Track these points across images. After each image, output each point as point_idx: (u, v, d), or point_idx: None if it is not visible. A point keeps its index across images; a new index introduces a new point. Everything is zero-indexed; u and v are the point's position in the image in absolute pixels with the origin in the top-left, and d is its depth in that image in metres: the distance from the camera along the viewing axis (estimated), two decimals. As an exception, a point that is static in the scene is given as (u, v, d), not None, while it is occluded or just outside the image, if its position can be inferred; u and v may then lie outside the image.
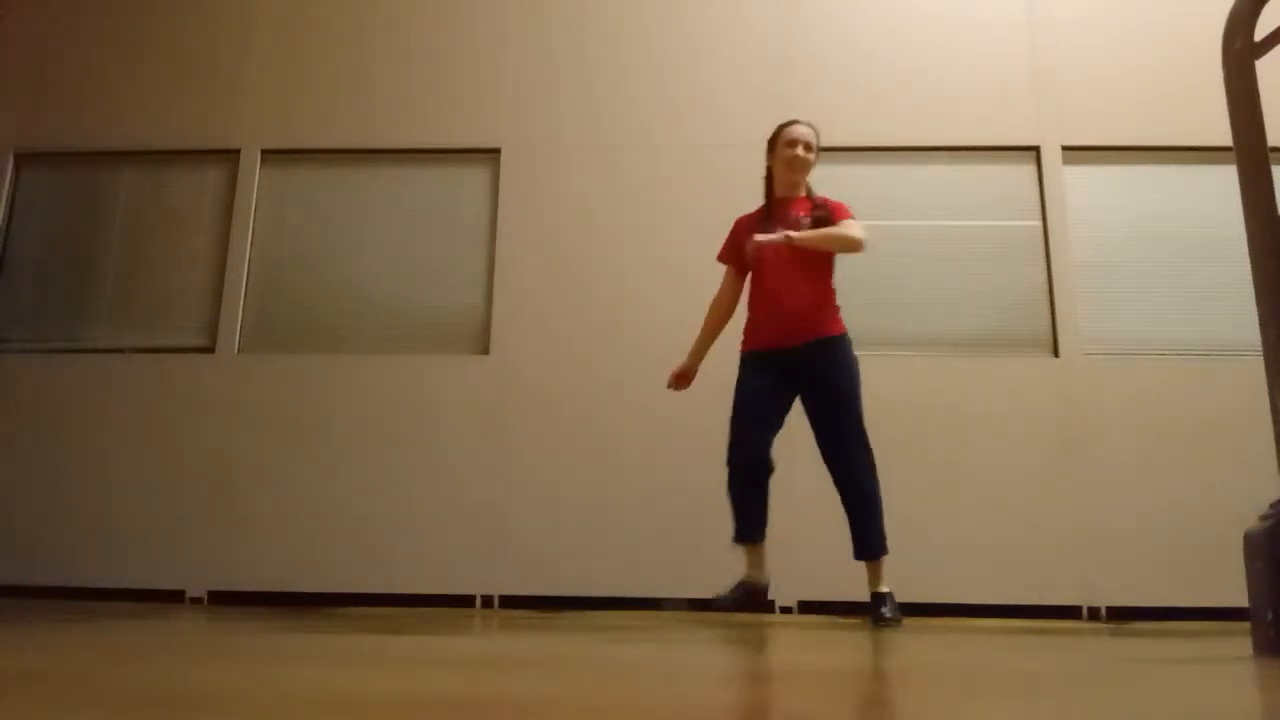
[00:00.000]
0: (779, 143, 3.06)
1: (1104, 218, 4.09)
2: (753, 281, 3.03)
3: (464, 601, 3.77)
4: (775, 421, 2.92)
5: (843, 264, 4.08)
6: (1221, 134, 4.05)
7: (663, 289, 4.06)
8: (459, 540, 3.82)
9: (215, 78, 4.40)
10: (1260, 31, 1.80)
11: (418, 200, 4.26)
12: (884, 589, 2.87)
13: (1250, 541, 1.65)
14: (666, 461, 3.87)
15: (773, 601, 2.96)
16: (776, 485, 3.83)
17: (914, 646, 1.78)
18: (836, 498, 3.82)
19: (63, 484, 3.96)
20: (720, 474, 3.85)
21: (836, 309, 2.98)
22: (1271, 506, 1.65)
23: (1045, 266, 4.03)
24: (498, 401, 3.95)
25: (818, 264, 2.95)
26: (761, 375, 2.93)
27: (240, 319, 4.13)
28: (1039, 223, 4.09)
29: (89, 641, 1.55)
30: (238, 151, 4.31)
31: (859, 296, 4.05)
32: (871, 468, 2.86)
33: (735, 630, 2.37)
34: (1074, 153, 4.14)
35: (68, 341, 4.16)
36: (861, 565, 3.63)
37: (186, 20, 4.48)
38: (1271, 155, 1.76)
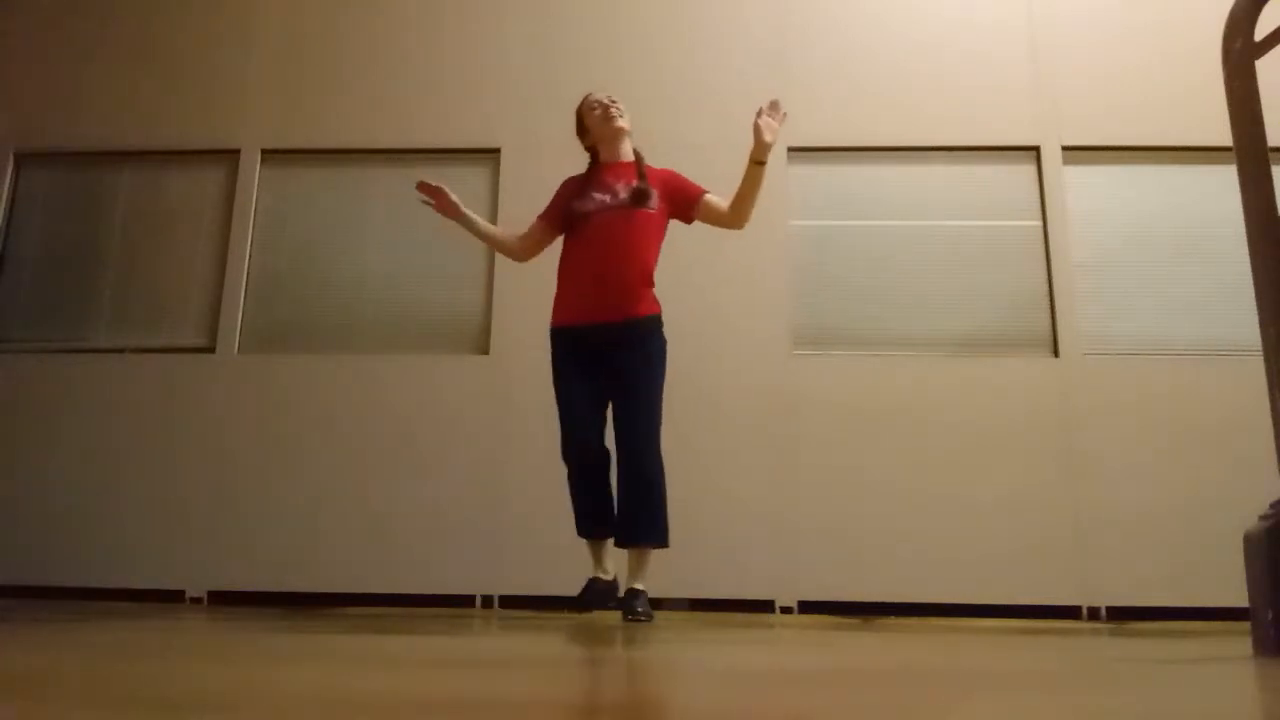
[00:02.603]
0: (585, 115, 2.96)
1: (1104, 218, 4.09)
2: (570, 250, 2.89)
3: (464, 601, 3.76)
4: (603, 409, 2.82)
5: (842, 264, 4.08)
6: (1221, 134, 4.05)
7: (660, 288, 4.04)
8: (459, 540, 3.82)
9: (215, 78, 4.40)
10: (1260, 31, 1.80)
11: (418, 200, 4.26)
12: (637, 585, 2.70)
13: (1250, 541, 1.65)
14: (665, 461, 3.87)
15: (616, 597, 2.78)
16: (778, 486, 3.83)
17: (914, 646, 1.78)
18: (834, 498, 3.82)
19: (63, 484, 3.96)
20: (722, 473, 3.85)
21: (650, 286, 2.87)
22: (1271, 506, 1.65)
23: (1045, 266, 4.03)
24: (498, 401, 3.95)
25: (643, 238, 2.83)
26: (577, 360, 2.81)
27: (240, 319, 4.13)
28: (1039, 223, 4.09)
29: (89, 641, 1.55)
30: (238, 151, 4.31)
31: (859, 296, 4.05)
32: (657, 454, 2.73)
33: (735, 630, 2.37)
34: (1074, 153, 4.14)
35: (68, 341, 4.16)
36: (859, 565, 3.63)
37: (186, 20, 4.48)
38: (1271, 155, 1.76)
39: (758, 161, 2.76)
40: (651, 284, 2.88)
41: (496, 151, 4.26)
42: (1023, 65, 4.25)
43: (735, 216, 2.87)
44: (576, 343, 2.83)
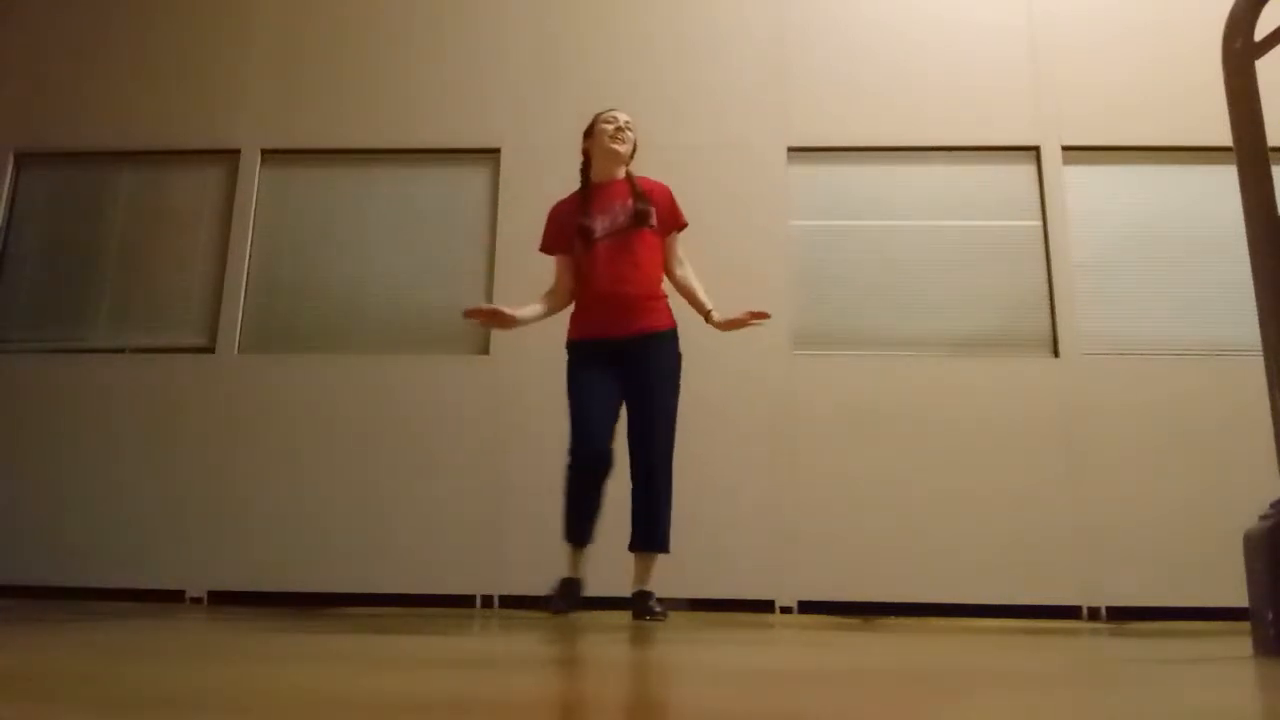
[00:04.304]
0: (597, 124, 3.04)
1: (1104, 218, 4.09)
2: (583, 274, 2.96)
3: (464, 601, 3.77)
4: (615, 416, 2.89)
5: (842, 264, 4.09)
6: (1221, 134, 4.05)
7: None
8: (459, 540, 3.82)
9: (215, 78, 4.40)
10: (1260, 31, 1.80)
11: (418, 200, 4.26)
12: (649, 588, 2.86)
13: (1250, 541, 1.65)
14: (666, 461, 3.87)
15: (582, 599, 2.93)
16: (778, 486, 3.83)
17: (914, 647, 1.78)
18: (834, 498, 3.83)
19: (63, 484, 3.96)
20: (722, 473, 3.85)
21: (665, 299, 2.99)
22: (1271, 506, 1.65)
23: (1045, 266, 4.03)
24: (498, 401, 3.95)
25: (650, 254, 2.95)
26: (594, 367, 2.88)
27: (240, 319, 4.13)
28: (1039, 223, 4.09)
29: (89, 641, 1.55)
30: (238, 151, 4.31)
31: (859, 297, 4.05)
32: (669, 467, 2.85)
33: (735, 630, 2.37)
34: (1074, 153, 4.14)
35: (68, 341, 4.16)
36: (859, 565, 3.62)
37: (186, 20, 4.48)
38: (1271, 155, 1.76)
39: (708, 319, 3.00)
40: (663, 296, 2.99)
41: (496, 151, 4.26)
42: (1023, 65, 4.25)
43: (674, 276, 3.06)
44: (594, 351, 2.91)
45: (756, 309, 3.94)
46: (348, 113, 4.33)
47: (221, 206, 4.28)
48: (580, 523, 2.84)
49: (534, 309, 2.97)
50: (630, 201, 2.94)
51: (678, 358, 2.95)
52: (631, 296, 2.89)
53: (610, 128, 3.00)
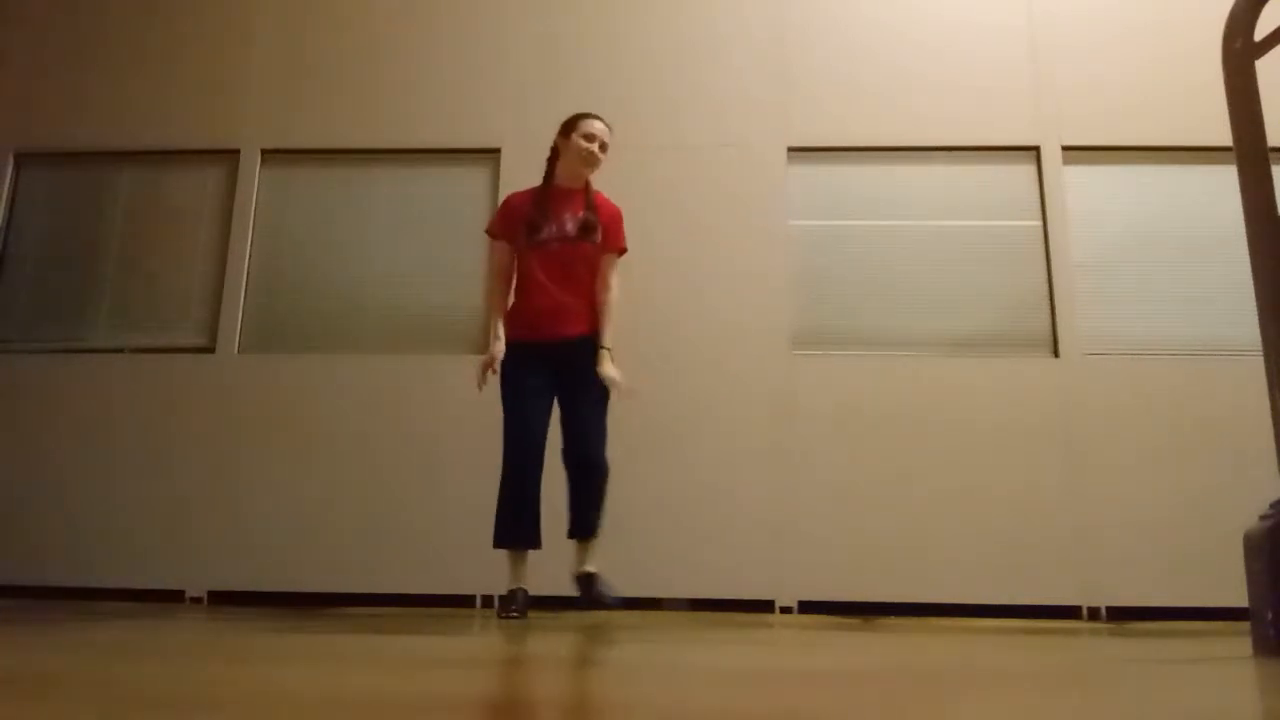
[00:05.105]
0: (576, 131, 3.05)
1: (1104, 218, 4.09)
2: (522, 271, 3.03)
3: (464, 601, 3.76)
4: (548, 415, 2.97)
5: (841, 264, 4.09)
6: (1221, 134, 4.05)
7: (660, 288, 4.05)
8: (459, 540, 3.82)
9: (215, 78, 4.40)
10: (1260, 31, 1.80)
11: (418, 200, 4.26)
12: (592, 569, 2.93)
13: (1250, 541, 1.65)
14: (665, 461, 3.87)
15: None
16: (778, 486, 3.83)
17: (914, 646, 1.78)
18: (834, 498, 3.82)
19: (63, 484, 3.96)
20: (721, 473, 3.85)
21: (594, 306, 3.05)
22: (1271, 506, 1.65)
23: (1045, 266, 4.03)
24: (497, 401, 3.94)
25: (587, 268, 3.02)
26: (528, 368, 2.96)
27: (240, 319, 4.13)
28: (1039, 223, 4.09)
29: (89, 641, 1.55)
30: (238, 151, 4.31)
31: (859, 296, 4.05)
32: (606, 459, 2.93)
33: (735, 630, 2.37)
34: (1074, 153, 4.14)
35: (68, 341, 4.16)
36: (859, 565, 3.64)
37: (186, 20, 4.48)
38: (1271, 155, 1.76)
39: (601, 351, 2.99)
40: (593, 306, 3.04)
41: (496, 151, 4.26)
42: (1023, 65, 4.25)
43: (596, 296, 3.04)
44: (527, 353, 2.98)
45: (755, 302, 3.96)
46: (348, 113, 4.33)
47: (221, 206, 4.28)
48: (519, 523, 2.89)
49: (500, 323, 3.04)
50: (581, 214, 3.02)
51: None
52: (563, 305, 2.96)
53: (586, 148, 3.02)
